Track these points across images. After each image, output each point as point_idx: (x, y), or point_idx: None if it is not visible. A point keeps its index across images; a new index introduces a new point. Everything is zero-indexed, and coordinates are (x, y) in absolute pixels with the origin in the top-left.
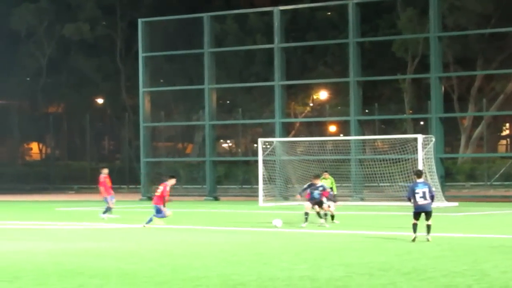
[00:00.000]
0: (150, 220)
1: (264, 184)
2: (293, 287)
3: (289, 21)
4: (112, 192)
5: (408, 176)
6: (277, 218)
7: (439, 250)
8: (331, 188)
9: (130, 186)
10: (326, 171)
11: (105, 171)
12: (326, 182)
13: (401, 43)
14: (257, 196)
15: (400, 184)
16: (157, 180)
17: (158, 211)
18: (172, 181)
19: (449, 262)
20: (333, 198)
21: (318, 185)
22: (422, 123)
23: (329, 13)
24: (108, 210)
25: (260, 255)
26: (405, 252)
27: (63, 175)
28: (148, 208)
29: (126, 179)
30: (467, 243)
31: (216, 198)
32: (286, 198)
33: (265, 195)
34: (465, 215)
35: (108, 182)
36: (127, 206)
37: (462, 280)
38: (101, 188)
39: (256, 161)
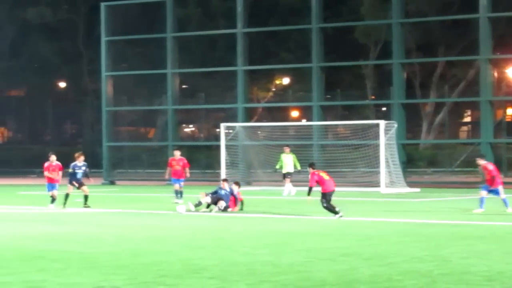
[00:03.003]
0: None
1: (226, 169)
2: (255, 272)
3: (252, 6)
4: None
5: (370, 162)
6: (181, 204)
7: (400, 236)
8: (295, 165)
9: (92, 170)
10: (287, 145)
11: (177, 153)
12: (287, 157)
13: (364, 29)
14: (219, 181)
15: (361, 169)
16: (119, 164)
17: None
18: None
19: (410, 247)
20: None
21: (224, 189)
22: (384, 109)
23: None
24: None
25: (222, 240)
26: (366, 238)
27: (25, 159)
28: (112, 192)
29: (88, 163)
30: (428, 229)
31: None
32: (248, 183)
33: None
34: (427, 201)
35: (175, 165)
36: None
37: (423, 266)
38: (168, 169)
39: (218, 146)
